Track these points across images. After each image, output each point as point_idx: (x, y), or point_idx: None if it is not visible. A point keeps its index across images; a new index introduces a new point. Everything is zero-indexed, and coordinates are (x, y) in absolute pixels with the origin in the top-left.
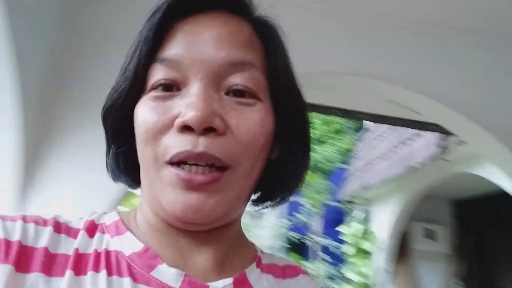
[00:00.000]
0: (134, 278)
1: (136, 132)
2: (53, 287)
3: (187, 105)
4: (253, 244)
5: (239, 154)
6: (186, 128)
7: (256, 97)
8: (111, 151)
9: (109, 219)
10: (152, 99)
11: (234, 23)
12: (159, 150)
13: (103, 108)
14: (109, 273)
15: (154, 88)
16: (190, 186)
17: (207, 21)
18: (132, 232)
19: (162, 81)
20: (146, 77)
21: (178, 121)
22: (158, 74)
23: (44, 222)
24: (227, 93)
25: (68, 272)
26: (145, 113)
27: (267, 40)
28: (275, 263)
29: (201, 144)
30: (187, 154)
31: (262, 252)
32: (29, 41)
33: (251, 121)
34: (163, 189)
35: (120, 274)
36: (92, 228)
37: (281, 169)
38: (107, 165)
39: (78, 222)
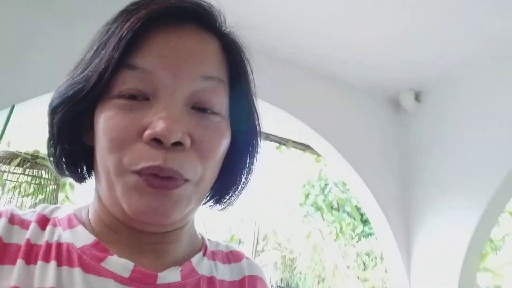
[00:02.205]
0: (84, 268)
1: (99, 137)
2: (4, 275)
3: (158, 119)
4: (200, 233)
5: (200, 169)
6: (155, 141)
7: (218, 114)
8: (57, 147)
9: (62, 213)
10: (119, 106)
11: (205, 39)
12: (125, 159)
13: (54, 102)
14: (59, 264)
15: (120, 95)
16: (154, 190)
17: (178, 33)
18: (84, 226)
19: (132, 91)
20: (110, 81)
21: (148, 133)
22: (127, 82)
23: None
24: (193, 107)
25: (19, 261)
26: (111, 120)
27: (233, 59)
28: (220, 250)
29: (169, 160)
30: (157, 169)
31: (208, 240)
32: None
33: (214, 138)
34: (127, 192)
35: (70, 264)
36: (43, 222)
37: (227, 177)
38: (50, 160)
39: (32, 214)
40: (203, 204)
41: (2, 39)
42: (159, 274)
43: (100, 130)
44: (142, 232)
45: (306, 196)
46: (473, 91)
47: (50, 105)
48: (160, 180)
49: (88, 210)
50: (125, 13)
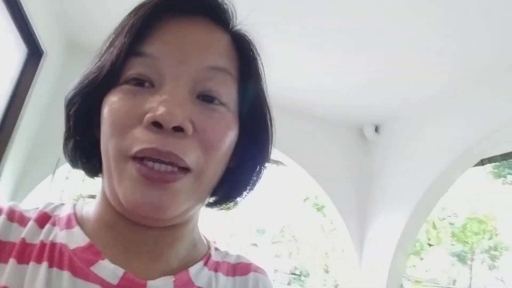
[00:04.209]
0: (73, 271)
1: (103, 123)
2: None
3: (160, 102)
4: (208, 241)
5: (202, 159)
6: (155, 125)
7: (225, 105)
8: (72, 139)
9: (64, 211)
10: (123, 91)
11: (215, 31)
12: (124, 144)
13: (70, 93)
14: (50, 265)
15: (127, 81)
16: (149, 182)
17: (189, 24)
18: (82, 226)
19: (136, 76)
20: (121, 69)
21: (148, 117)
22: (133, 68)
23: None
24: (198, 97)
25: (11, 260)
26: (114, 105)
27: (243, 54)
28: (227, 261)
29: (169, 143)
30: (152, 151)
31: (216, 249)
32: None
33: (218, 127)
34: (123, 182)
35: (60, 267)
36: (43, 219)
37: (238, 178)
38: (65, 152)
39: (34, 212)
40: (207, 206)
41: None
42: (149, 283)
43: (104, 116)
44: (139, 228)
45: (306, 199)
46: (417, 126)
47: (66, 97)
48: (157, 173)
49: (92, 208)
50: (141, 5)
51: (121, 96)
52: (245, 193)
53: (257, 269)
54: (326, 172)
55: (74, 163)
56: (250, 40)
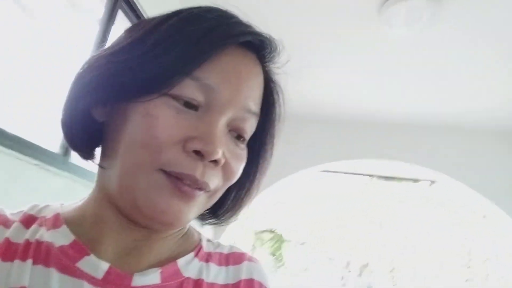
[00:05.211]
0: (60, 268)
1: (135, 129)
2: None
3: (206, 135)
4: (198, 233)
5: (221, 186)
6: (196, 153)
7: (245, 141)
8: (78, 121)
9: (50, 212)
10: (168, 106)
11: (260, 72)
12: (158, 158)
13: (99, 79)
14: (35, 262)
15: (175, 98)
16: (181, 194)
17: (245, 61)
18: (70, 225)
19: (190, 101)
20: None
21: (194, 146)
22: (188, 90)
23: None
24: (230, 130)
25: None
26: (158, 118)
27: (271, 96)
28: (219, 251)
29: (205, 174)
30: (189, 177)
31: (208, 240)
32: None
33: (238, 163)
34: (149, 190)
35: (46, 264)
36: (29, 221)
37: (233, 197)
38: (64, 130)
39: (18, 214)
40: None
41: None
42: (135, 275)
43: (141, 122)
44: (133, 226)
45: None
46: None
47: (93, 81)
48: (190, 188)
49: (83, 204)
50: (201, 21)
51: (166, 111)
52: (236, 212)
53: (251, 258)
54: (495, 187)
55: (73, 145)
56: (279, 85)
